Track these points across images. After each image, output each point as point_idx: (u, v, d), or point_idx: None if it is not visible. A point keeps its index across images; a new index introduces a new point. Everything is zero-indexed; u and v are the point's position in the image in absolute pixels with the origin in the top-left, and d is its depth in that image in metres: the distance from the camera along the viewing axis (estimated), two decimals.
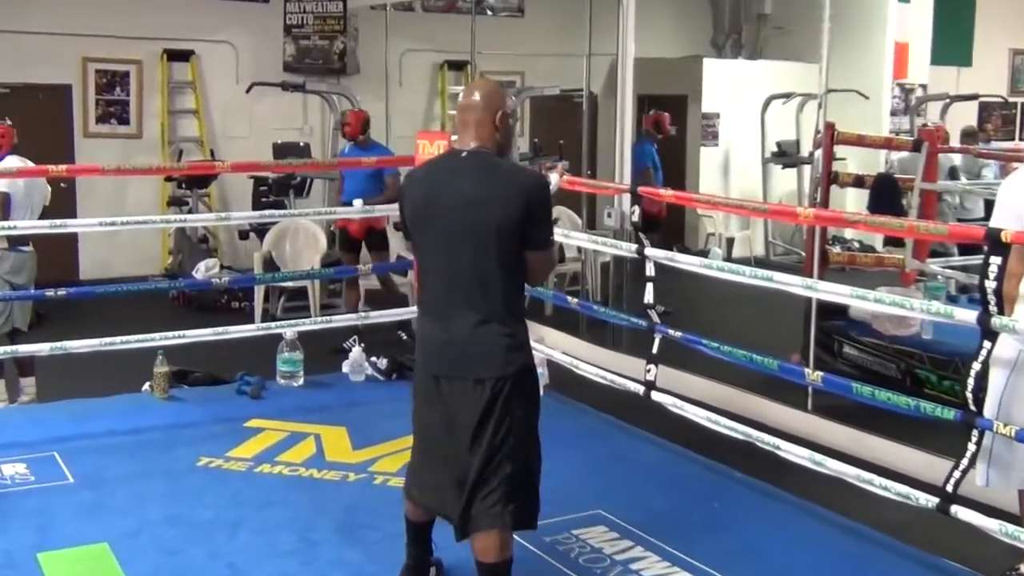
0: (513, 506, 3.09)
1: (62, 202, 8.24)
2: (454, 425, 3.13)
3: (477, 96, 3.20)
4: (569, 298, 5.84)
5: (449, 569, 3.54)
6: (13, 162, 5.82)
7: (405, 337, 6.56)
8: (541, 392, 5.47)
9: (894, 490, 3.72)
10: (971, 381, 3.46)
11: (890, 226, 4.30)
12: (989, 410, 3.49)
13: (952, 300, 6.33)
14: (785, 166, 11.25)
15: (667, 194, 4.82)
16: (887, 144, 8.39)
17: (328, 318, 6.47)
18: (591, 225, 8.04)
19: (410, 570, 3.44)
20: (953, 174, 8.34)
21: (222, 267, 8.07)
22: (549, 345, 5.93)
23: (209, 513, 4.08)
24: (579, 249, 7.72)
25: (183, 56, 10.35)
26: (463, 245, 3.09)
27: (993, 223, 3.45)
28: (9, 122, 6.11)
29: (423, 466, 3.28)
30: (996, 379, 3.52)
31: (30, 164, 5.86)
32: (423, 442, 3.30)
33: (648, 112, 8.94)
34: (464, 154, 3.17)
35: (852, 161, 9.46)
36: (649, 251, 4.82)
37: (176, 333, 5.39)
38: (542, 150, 8.87)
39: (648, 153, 8.64)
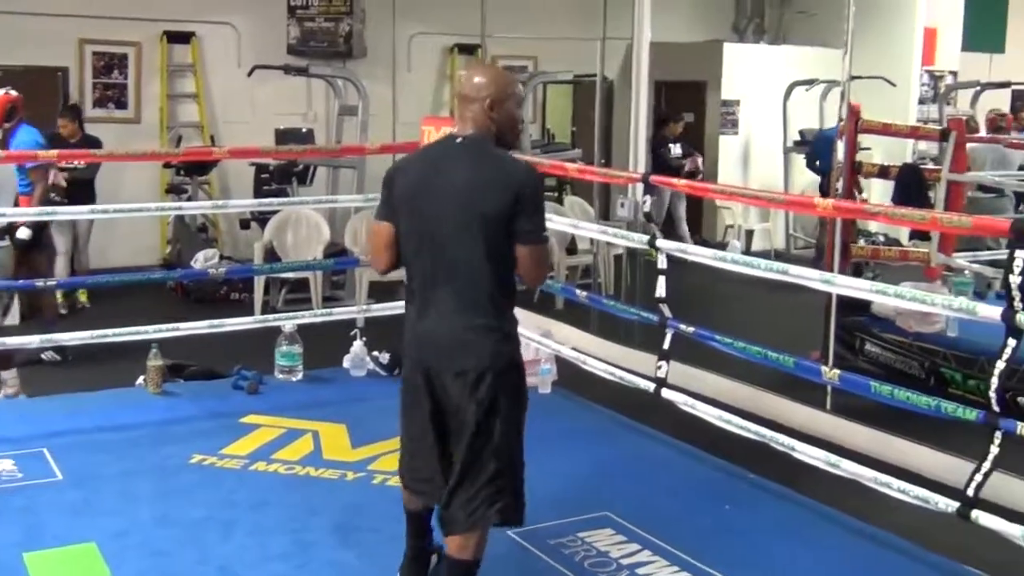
0: (500, 504, 3.06)
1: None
2: (441, 418, 3.10)
3: (473, 81, 3.16)
4: (578, 291, 5.69)
5: None
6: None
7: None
8: (548, 390, 5.56)
9: (912, 493, 3.60)
10: (995, 380, 3.34)
11: (912, 218, 4.14)
12: None
13: (980, 296, 6.14)
14: None
15: (680, 183, 4.65)
16: (913, 133, 8.18)
17: (329, 311, 6.27)
18: (604, 216, 7.87)
19: (410, 561, 3.38)
20: None
21: (222, 257, 7.87)
22: (558, 340, 5.78)
23: (201, 513, 3.99)
24: (591, 241, 7.54)
25: (183, 38, 10.09)
26: (450, 234, 3.04)
27: None
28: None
29: (414, 457, 3.24)
30: None
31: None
32: (410, 435, 3.25)
33: None
34: (460, 140, 3.13)
35: (878, 151, 9.31)
36: (661, 243, 4.69)
37: (170, 325, 5.27)
38: (555, 138, 8.68)
39: None
